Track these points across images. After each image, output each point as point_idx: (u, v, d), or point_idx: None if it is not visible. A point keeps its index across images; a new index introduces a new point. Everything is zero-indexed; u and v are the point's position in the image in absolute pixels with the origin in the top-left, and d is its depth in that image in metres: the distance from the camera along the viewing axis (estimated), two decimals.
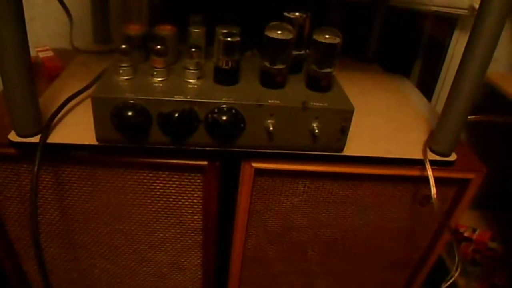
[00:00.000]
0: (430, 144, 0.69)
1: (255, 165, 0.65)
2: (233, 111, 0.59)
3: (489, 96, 0.92)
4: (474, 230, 0.98)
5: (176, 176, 0.67)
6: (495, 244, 0.96)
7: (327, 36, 0.61)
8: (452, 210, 0.74)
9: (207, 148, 0.62)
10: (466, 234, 0.98)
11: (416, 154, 0.68)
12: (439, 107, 1.04)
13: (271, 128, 0.60)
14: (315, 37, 0.62)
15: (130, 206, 0.70)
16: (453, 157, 0.68)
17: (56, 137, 0.63)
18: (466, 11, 0.92)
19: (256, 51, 0.75)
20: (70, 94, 0.70)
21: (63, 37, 0.87)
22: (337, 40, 0.61)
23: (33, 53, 0.84)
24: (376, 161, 0.67)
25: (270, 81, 0.63)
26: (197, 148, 0.62)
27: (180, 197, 0.69)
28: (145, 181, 0.67)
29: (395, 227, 0.75)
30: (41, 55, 0.81)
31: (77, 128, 0.64)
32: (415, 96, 0.86)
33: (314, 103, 0.61)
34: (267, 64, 0.62)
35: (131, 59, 0.62)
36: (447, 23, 0.99)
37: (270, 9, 0.76)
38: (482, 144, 1.03)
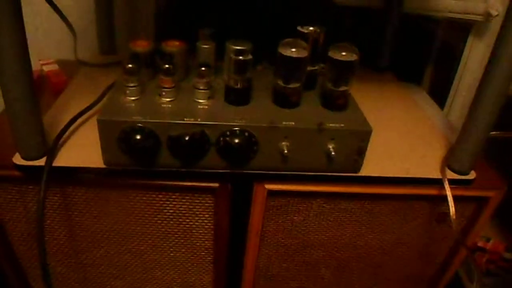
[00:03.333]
0: (448, 161, 0.65)
1: (268, 186, 0.61)
2: (246, 133, 0.55)
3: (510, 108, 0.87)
4: (488, 240, 0.94)
5: (186, 197, 0.63)
6: (510, 255, 0.92)
7: (343, 53, 0.57)
8: (470, 227, 0.69)
9: (219, 171, 0.59)
10: (480, 244, 0.93)
11: (434, 173, 0.63)
12: (451, 116, 1.00)
13: (285, 151, 0.56)
14: (331, 54, 0.57)
15: (139, 226, 0.66)
16: (472, 175, 0.64)
17: (62, 159, 0.59)
18: (481, 17, 0.87)
19: (267, 65, 0.71)
20: (76, 111, 0.66)
21: (67, 48, 0.83)
22: (353, 57, 0.57)
23: (37, 66, 0.80)
24: (393, 181, 0.62)
25: (284, 100, 0.58)
26: (208, 170, 0.59)
27: (191, 218, 0.65)
28: (154, 202, 0.63)
29: (410, 244, 0.71)
30: (45, 68, 0.77)
31: (84, 150, 0.60)
32: (430, 108, 0.81)
33: (330, 124, 0.56)
34: (280, 82, 0.57)
35: (138, 79, 0.57)
36: (460, 29, 0.94)
37: (281, 21, 0.71)
38: (500, 157, 0.96)
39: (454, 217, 0.61)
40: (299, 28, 0.60)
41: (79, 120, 0.65)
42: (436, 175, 0.63)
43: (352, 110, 0.60)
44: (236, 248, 0.70)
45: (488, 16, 0.86)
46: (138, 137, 0.53)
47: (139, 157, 0.56)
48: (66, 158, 0.59)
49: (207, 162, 0.57)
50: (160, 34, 0.79)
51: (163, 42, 0.62)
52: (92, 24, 0.84)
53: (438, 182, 0.63)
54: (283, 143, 0.56)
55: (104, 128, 0.54)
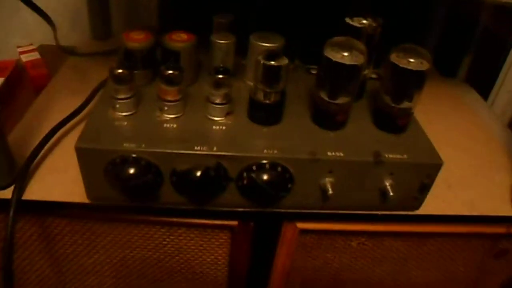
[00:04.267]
0: None
1: (300, 225, 0.44)
2: (279, 168, 0.37)
3: None
4: None
5: (196, 232, 0.46)
6: None
7: (411, 59, 0.38)
8: None
9: (239, 209, 0.41)
10: None
11: (503, 208, 0.46)
12: (495, 111, 0.81)
13: (330, 191, 0.38)
14: (394, 59, 0.38)
15: (138, 261, 0.50)
16: None
17: (36, 189, 0.41)
18: None
19: (299, 63, 0.52)
20: (57, 117, 0.48)
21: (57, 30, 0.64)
22: (425, 66, 0.38)
23: (15, 54, 0.61)
24: (455, 219, 0.45)
25: (328, 120, 0.40)
26: (225, 209, 0.41)
27: (200, 253, 0.49)
28: (156, 236, 0.47)
29: (458, 280, 0.55)
30: (24, 58, 0.57)
31: (64, 176, 0.43)
32: (486, 115, 0.62)
33: (390, 155, 0.39)
34: (324, 96, 0.39)
35: (131, 87, 0.39)
36: (507, 16, 0.75)
37: (317, 6, 0.52)
38: None
39: None
40: (348, 20, 0.41)
41: (61, 132, 0.47)
42: (507, 211, 0.46)
43: (414, 132, 0.42)
44: (254, 281, 0.54)
45: None
46: (132, 171, 0.36)
47: (133, 194, 0.38)
48: (40, 187, 0.42)
49: (224, 199, 0.40)
50: (164, 17, 0.59)
51: (166, 34, 0.43)
52: (83, 4, 0.63)
53: (508, 220, 0.46)
54: (327, 179, 0.38)
55: (86, 158, 0.36)
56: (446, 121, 0.60)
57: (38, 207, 0.41)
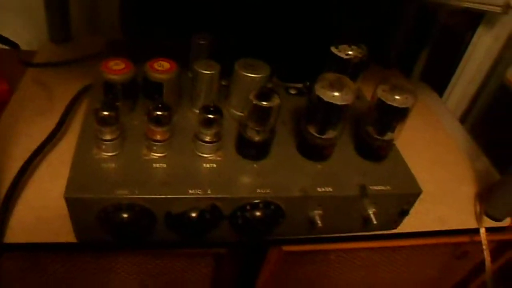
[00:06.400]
0: (484, 206, 0.52)
1: (286, 248, 0.46)
2: (272, 206, 0.38)
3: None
4: None
5: (182, 256, 0.47)
6: None
7: (397, 96, 0.40)
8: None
9: (229, 241, 0.42)
10: None
11: (470, 221, 0.51)
12: (449, 105, 0.86)
13: (318, 223, 0.40)
14: (381, 95, 0.40)
15: (122, 282, 0.50)
16: (506, 222, 0.52)
17: (17, 230, 0.39)
18: (499, 8, 0.71)
19: (278, 81, 0.52)
20: (27, 143, 0.45)
21: (20, 28, 0.58)
22: (410, 102, 0.40)
23: None
24: (428, 235, 0.49)
25: (316, 153, 0.41)
26: (216, 242, 0.42)
27: (185, 273, 0.50)
28: (141, 262, 0.47)
29: (424, 278, 0.61)
30: None
31: (44, 213, 0.41)
32: (448, 119, 0.65)
33: (374, 187, 0.41)
34: (313, 131, 0.40)
35: (117, 128, 0.37)
36: (465, 17, 0.78)
37: (295, 24, 0.51)
38: None
39: (489, 265, 0.51)
40: (334, 50, 0.42)
41: (36, 161, 0.44)
42: (473, 224, 0.51)
43: (394, 160, 0.45)
44: None
45: (507, 8, 0.71)
46: (126, 218, 0.35)
47: (127, 238, 0.38)
48: (22, 227, 0.40)
49: (216, 234, 0.40)
50: (127, 18, 0.56)
51: (147, 63, 0.41)
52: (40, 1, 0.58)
53: (473, 231, 0.51)
54: (316, 211, 0.40)
55: (76, 206, 0.35)
56: (412, 128, 0.63)
57: (22, 247, 0.40)
